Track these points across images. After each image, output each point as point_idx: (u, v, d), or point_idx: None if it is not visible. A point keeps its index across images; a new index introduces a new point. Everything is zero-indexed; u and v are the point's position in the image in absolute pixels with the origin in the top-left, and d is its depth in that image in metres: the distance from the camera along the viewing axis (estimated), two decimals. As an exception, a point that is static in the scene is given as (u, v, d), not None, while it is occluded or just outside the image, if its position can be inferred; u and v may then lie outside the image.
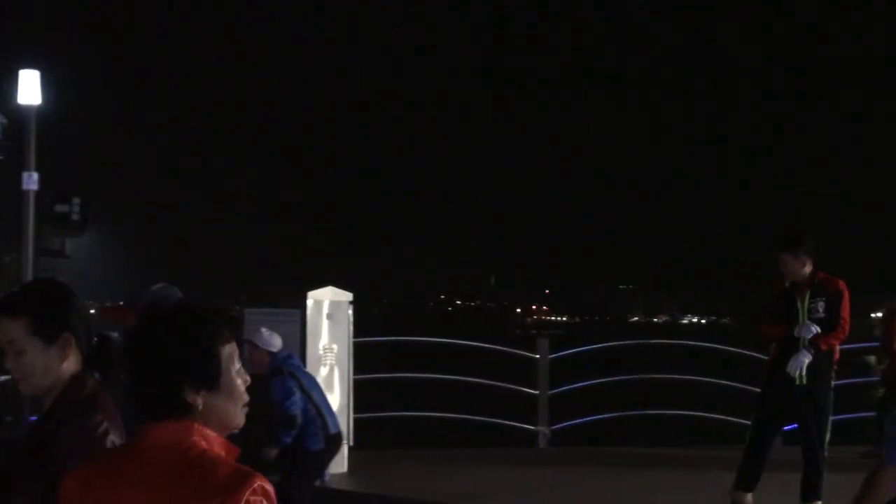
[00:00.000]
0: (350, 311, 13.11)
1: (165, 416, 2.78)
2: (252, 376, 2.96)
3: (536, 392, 15.68)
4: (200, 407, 2.79)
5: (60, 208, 13.44)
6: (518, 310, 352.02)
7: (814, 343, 9.83)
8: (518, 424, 15.94)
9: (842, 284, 10.06)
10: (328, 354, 12.75)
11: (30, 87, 13.42)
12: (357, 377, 13.59)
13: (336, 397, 12.56)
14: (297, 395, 9.69)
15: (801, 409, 9.97)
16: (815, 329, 9.84)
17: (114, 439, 3.31)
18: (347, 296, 13.19)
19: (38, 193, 13.39)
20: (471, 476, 12.84)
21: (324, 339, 12.74)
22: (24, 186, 13.26)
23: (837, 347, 10.23)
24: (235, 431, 2.92)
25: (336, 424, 10.03)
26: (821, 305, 9.92)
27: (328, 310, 12.87)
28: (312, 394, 9.90)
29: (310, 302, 12.69)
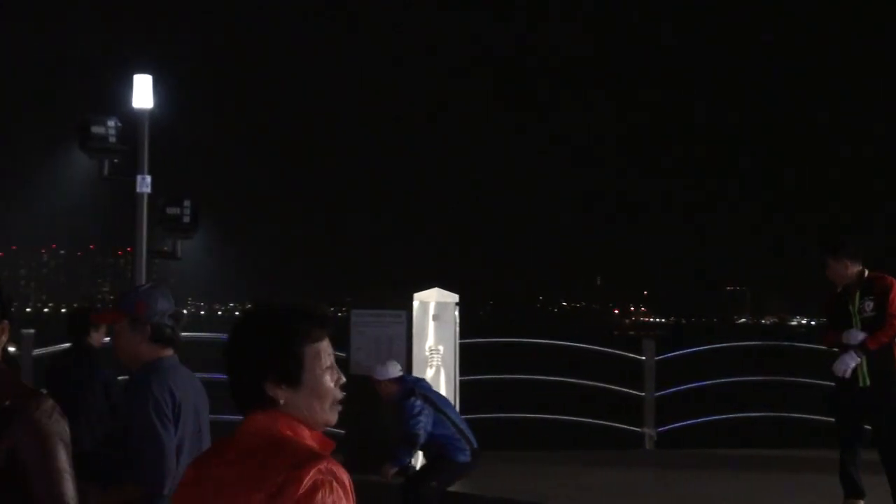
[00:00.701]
0: (456, 313, 13.13)
1: (254, 408, 3.01)
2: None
3: (642, 394, 15.59)
4: (282, 402, 3.01)
5: (172, 211, 13.63)
6: (616, 311, 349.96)
7: (863, 345, 9.72)
8: (624, 426, 15.86)
9: (889, 280, 9.94)
10: (434, 356, 12.79)
11: (143, 92, 13.66)
12: (463, 378, 13.63)
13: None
14: (425, 417, 9.93)
15: (868, 411, 9.90)
16: (861, 335, 9.74)
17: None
18: (453, 297, 13.21)
19: (151, 196, 13.61)
20: (576, 478, 12.81)
21: (430, 341, 12.79)
22: (138, 189, 13.47)
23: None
24: (326, 428, 3.07)
25: (476, 440, 10.23)
26: (868, 304, 9.87)
27: (434, 311, 12.90)
28: (448, 412, 10.20)
29: (416, 303, 12.72)
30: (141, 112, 13.61)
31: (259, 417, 2.99)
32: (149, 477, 4.84)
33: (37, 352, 13.80)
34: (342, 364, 13.30)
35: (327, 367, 3.10)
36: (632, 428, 15.63)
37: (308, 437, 2.99)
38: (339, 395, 3.12)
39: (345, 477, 2.88)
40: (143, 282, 13.69)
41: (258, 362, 3.02)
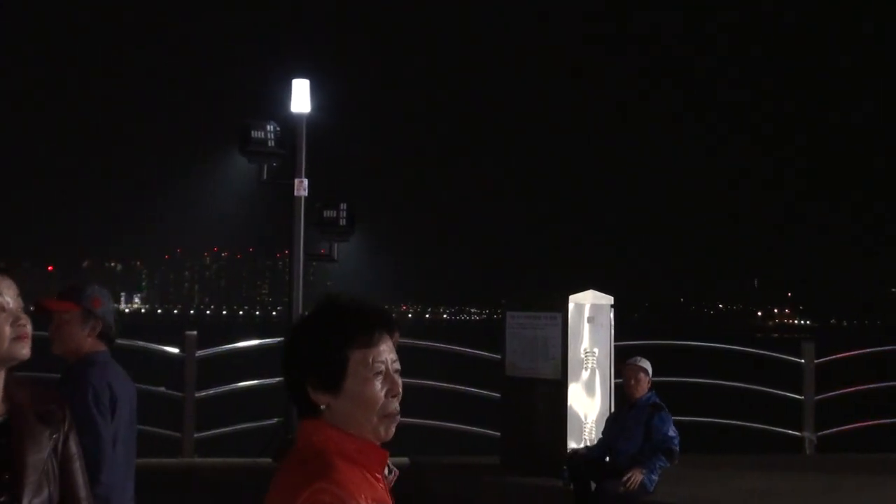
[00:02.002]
0: (611, 315, 13.04)
1: (303, 414, 2.87)
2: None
3: (801, 397, 15.29)
4: (323, 408, 2.83)
5: (329, 214, 13.81)
6: (759, 313, 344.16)
7: None
8: (783, 430, 15.57)
9: None
10: (589, 358, 12.71)
11: (301, 96, 13.86)
12: (618, 381, 13.53)
13: (597, 401, 12.52)
14: (673, 434, 10.45)
15: None
16: None
17: None
18: (608, 299, 13.12)
19: (308, 199, 13.81)
20: (734, 482, 12.59)
21: (584, 343, 12.72)
22: (295, 193, 13.68)
23: None
24: (378, 441, 2.85)
25: None
26: None
27: (589, 313, 12.82)
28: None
29: (571, 305, 12.66)
30: (299, 116, 13.81)
31: (305, 424, 2.85)
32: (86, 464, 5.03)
33: (200, 353, 14.10)
34: (497, 366, 13.31)
35: (378, 375, 2.85)
36: (791, 432, 15.33)
37: (352, 449, 2.80)
38: (391, 407, 2.85)
39: (336, 496, 2.68)
40: (301, 284, 13.91)
41: (300, 364, 2.87)
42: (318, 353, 2.84)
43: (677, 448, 10.37)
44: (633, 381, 10.84)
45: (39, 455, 3.36)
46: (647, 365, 10.95)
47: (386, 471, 2.87)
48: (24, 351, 3.40)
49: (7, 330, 3.36)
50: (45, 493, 3.35)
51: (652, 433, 10.39)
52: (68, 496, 3.48)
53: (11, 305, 3.39)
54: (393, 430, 2.87)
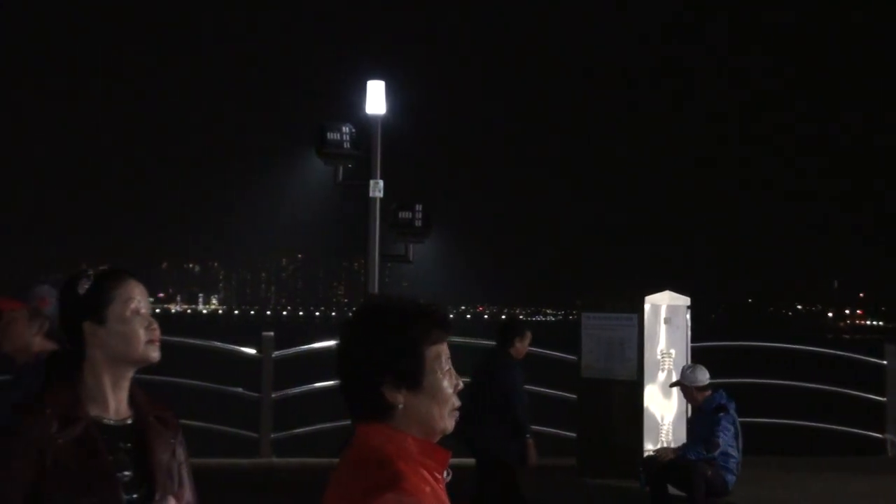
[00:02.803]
0: (688, 316, 12.96)
1: (365, 415, 2.80)
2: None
3: (884, 399, 15.08)
4: (401, 406, 2.78)
5: (404, 215, 13.83)
6: (830, 314, 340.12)
7: None
8: (864, 432, 15.37)
9: None
10: (665, 359, 12.64)
11: (376, 97, 13.91)
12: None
13: (674, 403, 12.45)
14: (730, 438, 10.41)
15: None
16: None
17: None
18: (685, 300, 13.04)
19: (383, 201, 13.84)
20: (814, 483, 12.47)
21: (661, 344, 12.65)
22: (371, 194, 13.72)
23: None
24: (442, 435, 2.85)
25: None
26: None
27: (665, 314, 12.76)
28: (739, 442, 10.59)
29: (647, 306, 12.61)
30: (374, 118, 13.86)
31: (366, 428, 2.81)
32: None
33: (277, 353, 14.19)
34: (573, 367, 13.28)
35: (447, 371, 2.86)
36: (872, 434, 15.13)
37: (416, 451, 2.77)
38: (457, 402, 2.88)
39: None
40: (376, 285, 13.95)
41: (377, 363, 2.78)
42: (401, 350, 2.80)
43: (719, 440, 10.26)
44: (688, 399, 10.93)
45: (165, 454, 3.52)
46: (698, 379, 10.75)
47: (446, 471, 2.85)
48: (156, 354, 3.52)
49: (141, 333, 3.48)
50: (171, 491, 3.50)
51: (712, 434, 10.37)
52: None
53: (143, 310, 3.51)
54: (454, 422, 2.88)
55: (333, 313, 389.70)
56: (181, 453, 3.64)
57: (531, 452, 10.07)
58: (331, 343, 16.06)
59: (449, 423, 2.85)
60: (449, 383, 2.85)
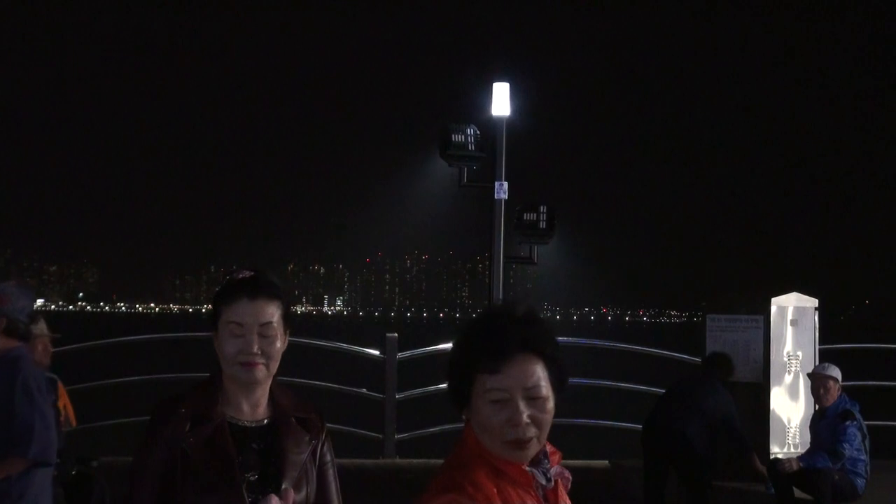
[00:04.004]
0: (815, 318, 12.77)
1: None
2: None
3: None
4: (465, 418, 2.83)
5: (528, 217, 13.83)
6: None
7: None
8: None
9: None
10: (792, 361, 12.47)
11: (501, 99, 13.94)
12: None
13: (801, 406, 12.27)
14: (855, 448, 10.23)
15: None
16: None
17: None
18: (813, 301, 12.85)
19: (508, 202, 13.87)
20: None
21: (788, 346, 12.48)
22: (495, 196, 13.76)
23: None
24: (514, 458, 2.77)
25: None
26: None
27: (792, 316, 12.59)
28: (867, 444, 10.44)
29: (773, 308, 12.45)
30: (499, 119, 13.89)
31: (466, 429, 2.85)
32: (39, 449, 5.39)
33: (401, 355, 14.27)
34: (698, 369, 13.16)
35: (494, 403, 2.74)
36: None
37: (497, 461, 2.77)
38: (511, 436, 2.74)
39: None
40: (500, 287, 13.99)
41: (447, 372, 2.87)
42: (450, 369, 2.85)
43: (844, 451, 10.11)
44: (821, 391, 10.61)
45: (299, 455, 3.61)
46: (835, 372, 10.65)
47: (543, 479, 2.83)
48: (247, 377, 3.57)
49: (233, 353, 3.56)
50: (304, 492, 3.59)
51: (838, 444, 10.19)
52: (322, 500, 3.71)
53: (246, 333, 3.56)
54: (525, 454, 2.78)
55: (457, 315, 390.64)
56: (325, 454, 3.74)
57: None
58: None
59: (504, 452, 2.77)
60: (493, 414, 2.75)
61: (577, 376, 16.42)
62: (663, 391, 11.27)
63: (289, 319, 3.68)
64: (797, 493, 10.36)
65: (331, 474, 3.75)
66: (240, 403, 3.58)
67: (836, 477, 10.06)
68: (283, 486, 3.45)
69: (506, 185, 13.73)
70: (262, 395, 3.63)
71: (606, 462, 13.34)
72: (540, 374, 2.76)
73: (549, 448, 2.94)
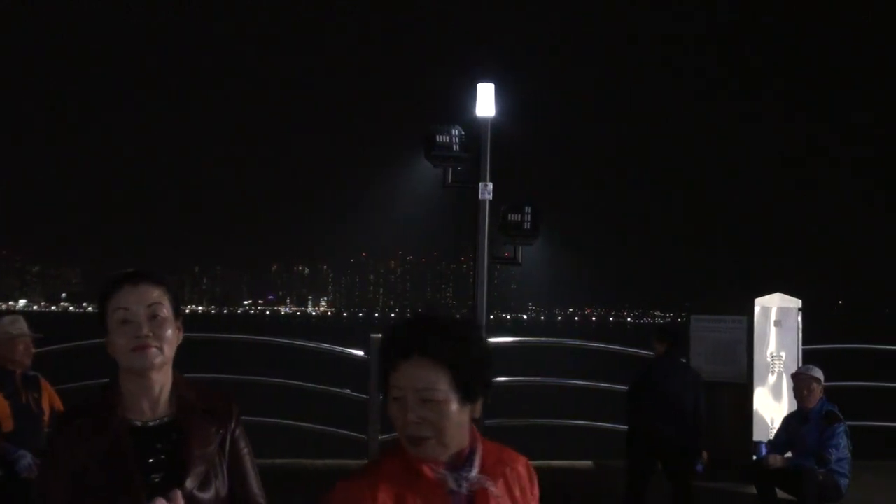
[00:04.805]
0: (799, 318, 12.81)
1: None
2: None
3: None
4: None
5: (513, 217, 13.83)
6: None
7: None
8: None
9: None
10: (776, 362, 12.52)
11: (485, 100, 13.95)
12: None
13: (784, 406, 12.31)
14: (841, 452, 10.22)
15: None
16: None
17: None
18: (796, 302, 12.90)
19: (492, 203, 13.87)
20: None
21: (771, 347, 12.52)
22: (480, 196, 13.76)
23: None
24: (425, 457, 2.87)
25: None
26: None
27: (776, 316, 12.63)
28: (849, 439, 10.48)
29: (757, 309, 12.50)
30: (483, 120, 13.89)
31: None
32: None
33: (385, 355, 14.27)
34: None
35: (394, 400, 2.90)
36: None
37: (406, 452, 2.90)
38: (408, 432, 2.87)
39: (358, 497, 2.84)
40: (485, 288, 13.99)
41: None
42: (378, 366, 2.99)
43: (830, 456, 10.10)
44: (805, 392, 10.61)
45: (206, 449, 3.51)
46: (818, 373, 10.66)
47: (453, 484, 2.86)
48: (140, 362, 3.45)
49: (123, 343, 3.45)
50: (212, 487, 3.48)
51: (825, 449, 10.20)
52: (239, 491, 3.60)
53: (133, 318, 3.46)
54: (421, 452, 2.86)
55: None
56: (238, 442, 3.64)
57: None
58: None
59: (409, 447, 2.87)
60: (393, 411, 2.89)
61: (562, 377, 16.45)
62: (631, 386, 11.11)
63: (179, 312, 3.59)
64: (779, 493, 10.40)
65: (247, 462, 3.64)
66: (139, 404, 3.48)
67: (820, 477, 10.08)
68: (175, 488, 3.31)
69: (490, 185, 13.73)
70: (163, 391, 3.52)
71: (590, 463, 13.37)
72: (434, 379, 2.84)
73: (506, 455, 3.03)
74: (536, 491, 3.08)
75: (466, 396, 2.88)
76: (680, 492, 10.53)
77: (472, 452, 2.93)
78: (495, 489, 2.92)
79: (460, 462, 2.90)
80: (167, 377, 3.55)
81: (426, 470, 2.86)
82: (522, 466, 3.07)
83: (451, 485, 2.87)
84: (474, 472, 2.90)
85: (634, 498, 10.50)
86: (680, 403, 10.49)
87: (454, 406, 2.85)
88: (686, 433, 10.52)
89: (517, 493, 2.98)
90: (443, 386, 2.83)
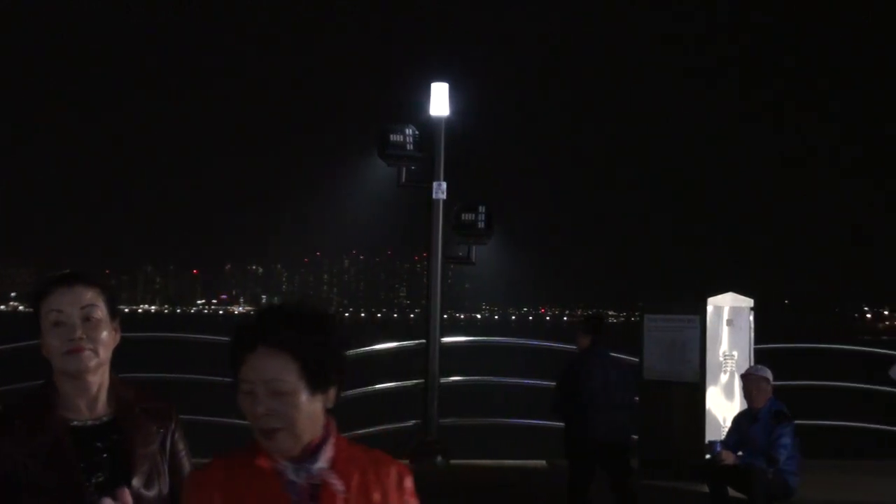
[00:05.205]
0: (751, 318, 12.89)
1: None
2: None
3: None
4: None
5: (467, 217, 13.85)
6: (869, 315, 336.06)
7: None
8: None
9: None
10: (728, 361, 12.58)
11: (439, 100, 13.94)
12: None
13: (736, 405, 12.39)
14: (790, 451, 10.25)
15: None
16: None
17: None
18: (748, 301, 12.97)
19: (446, 203, 13.87)
20: (879, 487, 12.35)
21: (724, 346, 12.59)
22: (433, 196, 13.76)
23: None
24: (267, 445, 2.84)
25: None
26: None
27: (728, 315, 12.70)
28: (798, 438, 10.55)
29: (710, 308, 12.56)
30: (437, 120, 13.89)
31: None
32: None
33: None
34: (635, 369, 13.25)
35: (243, 395, 2.82)
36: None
37: (257, 450, 2.87)
38: (256, 424, 2.82)
39: (195, 490, 2.89)
40: (439, 287, 13.98)
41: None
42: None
43: (779, 456, 10.15)
44: (754, 392, 10.62)
45: (148, 448, 3.50)
46: (767, 373, 10.69)
47: (292, 475, 2.83)
48: (74, 365, 3.42)
49: (57, 344, 3.42)
50: (156, 486, 3.48)
51: (774, 449, 10.25)
52: (179, 490, 3.53)
53: (66, 320, 3.43)
54: (273, 445, 2.82)
55: (395, 315, 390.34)
56: (177, 443, 3.62)
57: None
58: (392, 345, 16.13)
59: (261, 439, 2.83)
60: (244, 404, 2.82)
61: (515, 376, 16.46)
62: (558, 382, 10.93)
63: (115, 313, 3.54)
64: (731, 492, 10.45)
65: (186, 464, 3.63)
66: (77, 404, 3.45)
67: (770, 476, 10.14)
68: (121, 486, 3.28)
69: (444, 185, 13.74)
70: (100, 390, 3.49)
71: (544, 462, 13.40)
72: (281, 369, 2.78)
73: (374, 457, 2.98)
74: (409, 498, 3.00)
75: (317, 386, 2.83)
76: (619, 488, 10.49)
77: (320, 444, 2.87)
78: (340, 485, 2.86)
79: (307, 454, 2.85)
80: (104, 378, 3.52)
81: (262, 460, 2.83)
82: (395, 472, 2.99)
83: (290, 475, 2.83)
84: (318, 465, 2.85)
85: (577, 497, 10.45)
86: (610, 397, 10.35)
87: (304, 396, 2.80)
88: (617, 428, 10.47)
89: (376, 496, 2.91)
90: (290, 377, 2.78)
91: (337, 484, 2.85)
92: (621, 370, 10.75)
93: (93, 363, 3.42)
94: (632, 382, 10.87)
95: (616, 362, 10.92)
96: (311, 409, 2.83)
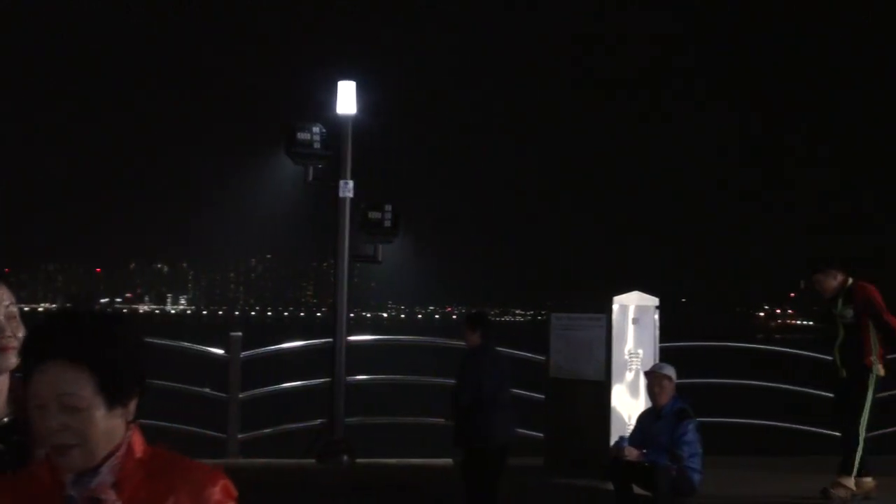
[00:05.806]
0: (656, 316, 13.00)
1: None
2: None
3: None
4: None
5: (373, 215, 13.82)
6: (761, 313, 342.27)
7: None
8: (830, 432, 15.47)
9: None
10: (633, 359, 12.68)
11: (346, 98, 13.90)
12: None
13: (641, 403, 12.49)
14: (693, 449, 10.39)
15: None
16: None
17: None
18: (654, 300, 13.09)
19: (353, 201, 13.83)
20: (782, 483, 12.51)
21: (629, 344, 12.68)
22: (340, 194, 13.71)
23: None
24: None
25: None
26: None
27: (634, 314, 12.80)
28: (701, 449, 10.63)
29: (615, 306, 12.65)
30: (344, 118, 13.84)
31: None
32: None
33: (244, 354, 14.15)
34: (541, 367, 13.31)
35: (35, 408, 2.59)
36: (823, 431, 15.23)
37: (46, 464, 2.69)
38: (52, 440, 2.58)
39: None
40: (345, 286, 13.93)
41: None
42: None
43: (683, 453, 10.27)
44: (656, 389, 10.77)
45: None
46: (670, 371, 10.83)
47: (71, 488, 2.63)
48: (9, 361, 3.41)
49: None
50: None
51: (677, 447, 10.35)
52: None
53: None
54: (66, 462, 2.60)
55: (302, 314, 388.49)
56: None
57: None
58: (298, 344, 16.06)
59: (54, 457, 2.61)
60: (39, 421, 2.58)
61: (425, 375, 16.45)
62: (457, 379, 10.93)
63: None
64: (637, 490, 10.54)
65: None
66: None
67: (673, 473, 10.24)
68: None
69: (351, 183, 13.69)
70: (1, 392, 3.47)
71: (450, 460, 13.40)
72: (74, 383, 2.56)
73: (188, 475, 2.78)
74: None
75: (116, 400, 2.61)
76: (489, 487, 10.48)
77: (107, 457, 2.64)
78: (114, 499, 2.63)
79: (94, 467, 2.64)
80: (6, 377, 3.49)
81: (42, 472, 2.67)
82: (214, 491, 2.85)
83: (69, 490, 2.63)
84: (99, 478, 2.63)
85: (476, 495, 10.45)
86: (501, 395, 10.46)
87: (100, 411, 2.58)
88: (511, 426, 10.59)
89: None
90: (85, 391, 2.55)
91: (111, 498, 2.63)
92: (506, 366, 10.89)
93: (14, 361, 3.39)
94: (511, 378, 10.96)
95: (503, 358, 11.10)
96: (108, 424, 2.61)
